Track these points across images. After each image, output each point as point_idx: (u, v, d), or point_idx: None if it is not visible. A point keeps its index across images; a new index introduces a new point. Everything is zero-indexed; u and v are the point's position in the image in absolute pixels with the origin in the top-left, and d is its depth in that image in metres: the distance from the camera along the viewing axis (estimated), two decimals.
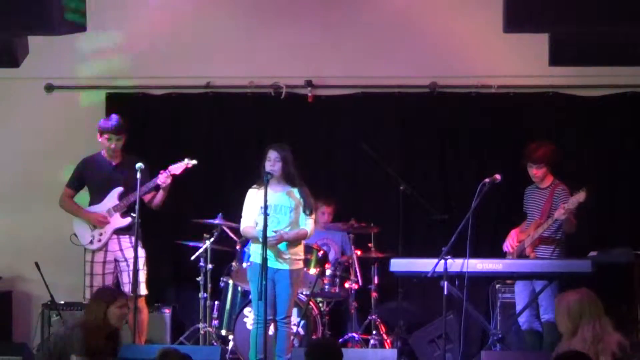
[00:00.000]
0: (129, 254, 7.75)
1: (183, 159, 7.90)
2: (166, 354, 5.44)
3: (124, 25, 9.27)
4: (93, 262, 7.81)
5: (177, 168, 7.86)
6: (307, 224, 7.28)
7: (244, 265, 7.86)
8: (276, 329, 7.22)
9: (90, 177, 7.95)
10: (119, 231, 7.85)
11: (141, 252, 7.76)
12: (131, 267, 7.68)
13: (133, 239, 7.70)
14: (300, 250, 7.34)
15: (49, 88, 9.44)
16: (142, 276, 7.78)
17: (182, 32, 9.28)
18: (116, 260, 7.85)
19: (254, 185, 7.30)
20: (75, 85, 9.44)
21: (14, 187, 9.39)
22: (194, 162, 7.92)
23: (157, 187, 7.82)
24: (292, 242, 7.22)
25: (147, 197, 7.89)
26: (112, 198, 7.81)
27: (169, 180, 7.74)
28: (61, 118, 9.40)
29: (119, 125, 7.81)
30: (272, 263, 7.08)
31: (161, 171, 7.77)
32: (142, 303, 7.80)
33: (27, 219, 9.31)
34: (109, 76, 9.38)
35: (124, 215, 7.80)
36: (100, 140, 7.89)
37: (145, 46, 9.28)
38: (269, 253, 6.98)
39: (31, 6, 5.49)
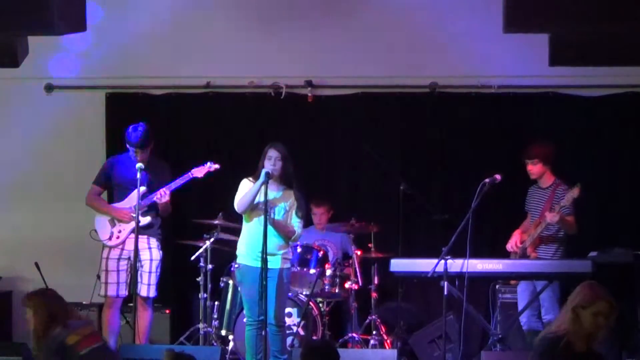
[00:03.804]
0: (145, 255, 7.76)
1: (206, 162, 7.90)
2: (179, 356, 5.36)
3: (124, 25, 9.26)
4: (108, 259, 7.80)
5: (199, 171, 7.88)
6: (298, 226, 7.29)
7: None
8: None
9: (116, 177, 7.94)
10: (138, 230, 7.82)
11: (157, 254, 7.82)
12: (144, 268, 7.73)
13: (151, 239, 7.78)
14: (287, 251, 7.33)
15: (49, 88, 9.44)
16: (154, 278, 7.79)
17: (182, 32, 9.28)
18: (130, 259, 7.82)
19: (250, 178, 7.30)
20: (75, 85, 9.44)
21: (14, 187, 9.38)
22: (217, 166, 7.91)
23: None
24: (280, 237, 7.20)
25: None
26: (134, 198, 7.77)
27: (165, 199, 7.73)
28: (61, 118, 9.40)
29: (144, 140, 7.72)
30: (260, 263, 7.02)
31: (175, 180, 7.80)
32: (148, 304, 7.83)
33: (27, 219, 9.30)
34: (109, 76, 9.38)
35: (144, 214, 7.79)
36: (127, 147, 7.83)
37: (145, 46, 9.27)
38: (257, 252, 7.00)
39: (31, 6, 5.48)
